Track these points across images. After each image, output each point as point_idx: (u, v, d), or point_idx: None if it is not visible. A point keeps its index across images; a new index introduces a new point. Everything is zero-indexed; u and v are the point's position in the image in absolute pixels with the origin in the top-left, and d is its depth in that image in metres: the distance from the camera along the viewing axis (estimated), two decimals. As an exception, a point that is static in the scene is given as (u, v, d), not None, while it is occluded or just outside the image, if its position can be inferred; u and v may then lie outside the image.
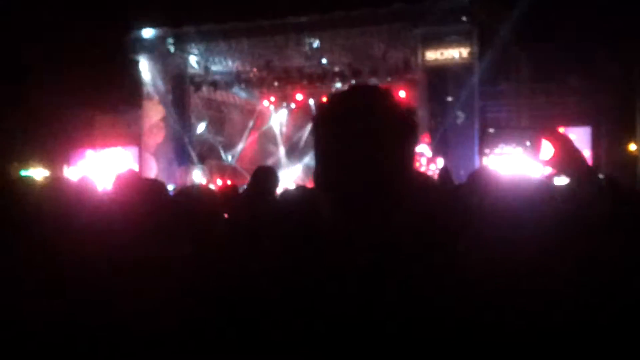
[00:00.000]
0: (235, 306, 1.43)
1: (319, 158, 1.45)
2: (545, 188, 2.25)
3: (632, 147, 21.72)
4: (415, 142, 1.45)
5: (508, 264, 1.43)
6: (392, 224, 1.40)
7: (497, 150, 1.72)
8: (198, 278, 2.50)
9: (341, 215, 1.41)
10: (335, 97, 1.50)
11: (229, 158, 25.04)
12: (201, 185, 7.52)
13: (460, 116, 17.47)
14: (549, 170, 1.65)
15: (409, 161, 1.43)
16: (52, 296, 2.52)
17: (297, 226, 1.50)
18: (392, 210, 1.40)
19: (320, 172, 1.45)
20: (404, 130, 1.42)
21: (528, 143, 1.65)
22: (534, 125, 16.41)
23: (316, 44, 20.15)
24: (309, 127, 23.97)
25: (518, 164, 3.04)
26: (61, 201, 3.18)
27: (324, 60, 21.05)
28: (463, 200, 4.26)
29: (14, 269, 2.65)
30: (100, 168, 21.82)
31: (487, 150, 1.73)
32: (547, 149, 1.61)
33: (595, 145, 18.60)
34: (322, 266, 1.36)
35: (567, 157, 1.57)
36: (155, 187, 3.41)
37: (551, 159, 1.60)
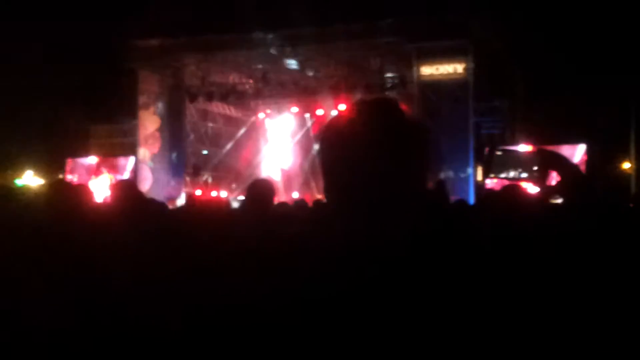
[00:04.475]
0: (236, 325, 1.41)
1: (328, 172, 1.44)
2: (546, 210, 2.26)
3: (626, 165, 21.86)
4: (426, 156, 1.44)
5: (514, 284, 1.43)
6: (403, 237, 1.39)
7: (502, 175, 1.71)
8: (192, 294, 2.50)
9: (351, 229, 1.40)
10: (346, 112, 1.48)
11: (224, 169, 25.01)
12: (187, 206, 7.53)
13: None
14: (554, 197, 1.65)
15: (420, 176, 1.43)
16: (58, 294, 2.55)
17: (298, 240, 1.48)
18: (404, 224, 1.39)
19: (330, 186, 1.44)
20: (413, 144, 1.42)
21: (535, 168, 1.65)
22: (538, 144, 16.45)
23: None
24: (305, 139, 24.09)
25: (524, 188, 3.06)
26: (66, 203, 3.22)
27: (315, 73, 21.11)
28: (471, 219, 4.28)
29: (19, 270, 2.68)
30: (96, 177, 21.82)
31: (492, 174, 1.72)
32: (553, 176, 1.60)
33: (590, 162, 18.68)
34: (329, 281, 1.34)
35: (574, 186, 1.56)
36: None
37: (557, 186, 1.60)
